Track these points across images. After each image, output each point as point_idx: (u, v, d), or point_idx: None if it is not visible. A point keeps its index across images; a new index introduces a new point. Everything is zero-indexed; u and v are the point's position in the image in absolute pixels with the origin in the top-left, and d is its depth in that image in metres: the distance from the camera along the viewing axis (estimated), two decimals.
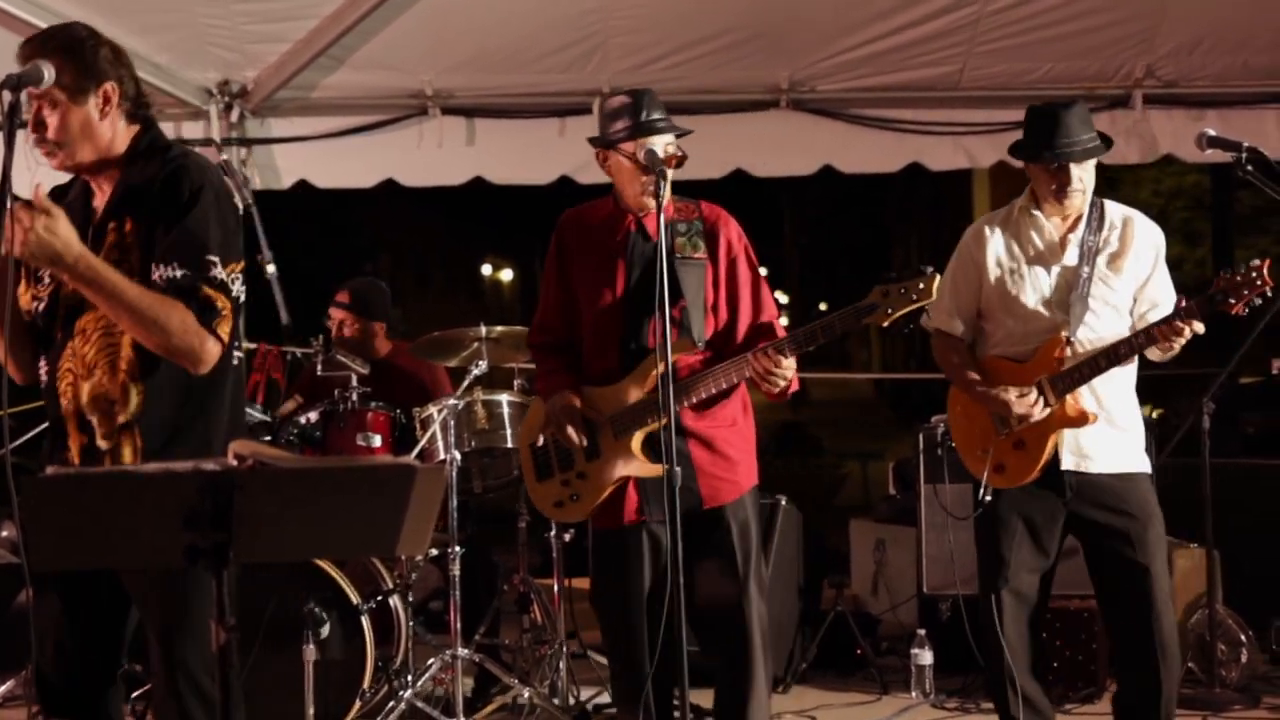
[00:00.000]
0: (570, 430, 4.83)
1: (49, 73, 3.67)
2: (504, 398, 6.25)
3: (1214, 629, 6.42)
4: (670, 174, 4.62)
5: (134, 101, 3.90)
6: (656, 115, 4.79)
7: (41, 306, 3.88)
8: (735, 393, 4.89)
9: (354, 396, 6.21)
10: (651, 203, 4.76)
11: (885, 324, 4.58)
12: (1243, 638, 6.50)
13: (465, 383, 6.10)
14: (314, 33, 7.25)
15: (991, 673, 5.10)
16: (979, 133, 7.89)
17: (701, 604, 4.86)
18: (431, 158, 7.91)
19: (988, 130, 7.83)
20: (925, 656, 6.60)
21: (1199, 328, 4.69)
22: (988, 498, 4.95)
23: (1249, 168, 4.85)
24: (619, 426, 4.83)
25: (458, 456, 5.97)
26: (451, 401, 6.00)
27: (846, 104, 7.90)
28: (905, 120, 7.91)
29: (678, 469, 4.25)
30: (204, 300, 3.68)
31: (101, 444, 3.77)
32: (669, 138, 4.80)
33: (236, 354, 3.90)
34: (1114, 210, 5.05)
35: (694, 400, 4.75)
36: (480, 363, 6.13)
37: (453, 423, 5.97)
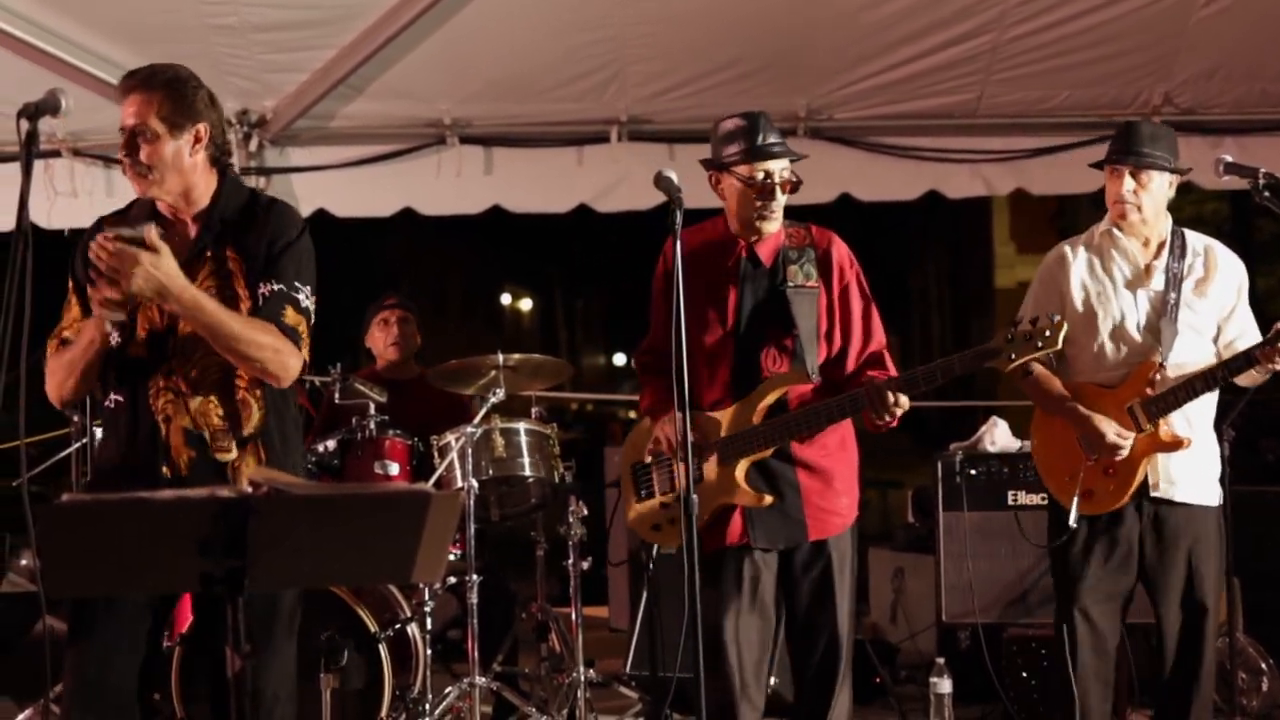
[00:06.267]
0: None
1: (66, 101, 3.72)
2: (521, 426, 6.24)
3: (1234, 657, 6.35)
4: (784, 198, 4.75)
5: (219, 147, 4.15)
6: (772, 139, 4.76)
7: (125, 334, 4.02)
8: None
9: (371, 425, 6.21)
10: (766, 227, 4.79)
11: (1007, 369, 4.56)
12: (1263, 666, 6.46)
13: (483, 410, 6.09)
14: (332, 62, 7.27)
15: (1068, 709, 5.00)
16: (997, 160, 7.89)
17: (795, 635, 4.87)
18: (449, 187, 7.92)
19: (1005, 158, 7.84)
20: (944, 685, 6.55)
21: None
22: (1073, 524, 4.92)
23: (1266, 194, 4.85)
24: (725, 453, 4.76)
25: (475, 484, 5.96)
26: (469, 429, 6.00)
27: (864, 132, 7.90)
28: (923, 148, 7.91)
29: (695, 498, 4.22)
30: (293, 319, 4.03)
31: (220, 457, 4.01)
32: (784, 163, 4.77)
33: None
34: (1195, 239, 5.10)
35: (801, 439, 4.72)
36: (498, 391, 6.12)
37: (470, 451, 5.96)
